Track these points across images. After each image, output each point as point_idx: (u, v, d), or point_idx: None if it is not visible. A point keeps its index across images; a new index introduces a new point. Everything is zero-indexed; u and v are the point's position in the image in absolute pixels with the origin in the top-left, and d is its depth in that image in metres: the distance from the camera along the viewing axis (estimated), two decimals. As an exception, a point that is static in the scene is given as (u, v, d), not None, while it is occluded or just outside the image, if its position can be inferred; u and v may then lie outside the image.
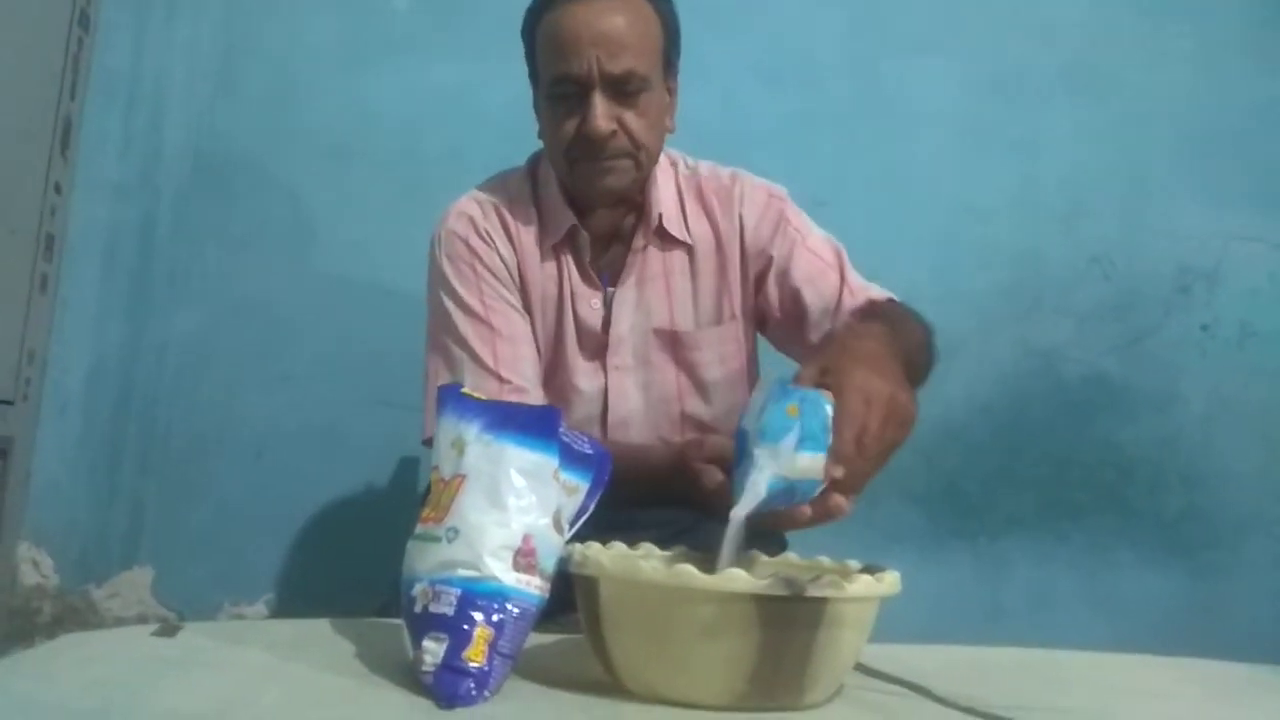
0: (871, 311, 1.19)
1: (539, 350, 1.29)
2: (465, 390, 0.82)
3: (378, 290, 1.93)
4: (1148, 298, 2.07)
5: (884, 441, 0.84)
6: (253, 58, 2.00)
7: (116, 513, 1.90)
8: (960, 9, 2.11)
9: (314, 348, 1.94)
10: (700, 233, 1.32)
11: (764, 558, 0.89)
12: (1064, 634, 1.88)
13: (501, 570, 0.73)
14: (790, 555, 0.90)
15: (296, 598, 1.89)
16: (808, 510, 0.82)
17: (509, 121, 1.87)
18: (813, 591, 0.69)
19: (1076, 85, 2.11)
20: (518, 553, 0.74)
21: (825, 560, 0.86)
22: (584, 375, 1.30)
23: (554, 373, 1.30)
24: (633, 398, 1.31)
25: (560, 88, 1.20)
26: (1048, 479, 2.02)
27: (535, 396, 1.24)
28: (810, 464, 0.80)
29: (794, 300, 1.30)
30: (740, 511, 0.78)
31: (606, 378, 1.30)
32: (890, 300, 1.28)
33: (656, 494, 1.13)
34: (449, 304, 1.27)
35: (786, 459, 0.79)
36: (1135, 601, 1.98)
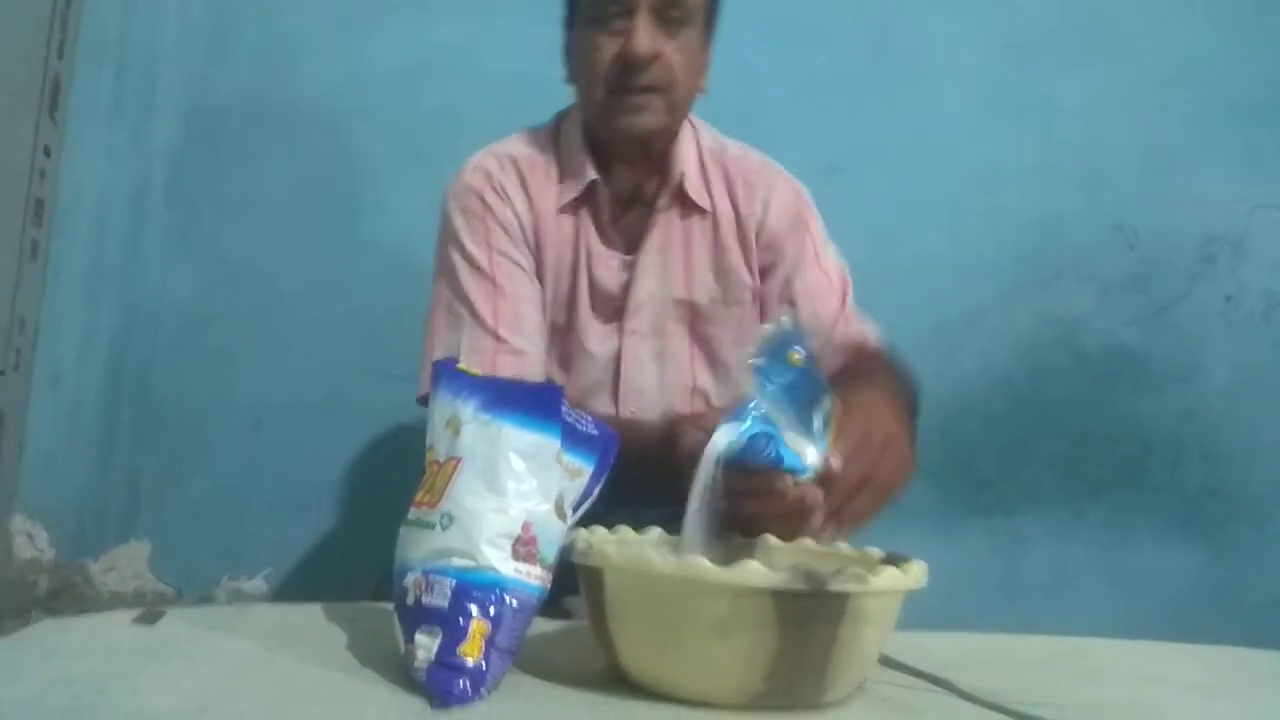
0: (869, 363, 1.21)
1: (548, 312, 1.26)
2: (461, 365, 0.78)
3: (377, 255, 1.88)
4: (1171, 267, 2.03)
5: (879, 479, 0.85)
6: (247, 15, 1.93)
7: (112, 485, 1.86)
8: (976, -32, 2.04)
9: (312, 315, 1.89)
10: (723, 207, 1.30)
11: (777, 543, 0.84)
12: (1081, 612, 1.86)
13: (499, 560, 0.69)
14: (806, 541, 0.85)
15: (296, 571, 1.86)
16: (789, 487, 0.79)
17: (508, 80, 1.85)
18: (835, 586, 0.65)
19: (1097, 47, 2.04)
20: (517, 541, 0.70)
21: (845, 548, 0.82)
22: (596, 338, 1.27)
23: (564, 334, 1.27)
24: (647, 366, 1.28)
25: (604, 8, 1.17)
26: (1066, 453, 1.98)
27: (534, 360, 1.21)
28: (802, 440, 0.78)
29: (789, 308, 1.28)
30: (720, 438, 0.75)
31: (621, 342, 1.27)
32: (878, 351, 1.27)
33: (646, 465, 1.07)
34: (456, 257, 1.23)
35: (778, 405, 0.77)
36: (1154, 578, 1.95)
